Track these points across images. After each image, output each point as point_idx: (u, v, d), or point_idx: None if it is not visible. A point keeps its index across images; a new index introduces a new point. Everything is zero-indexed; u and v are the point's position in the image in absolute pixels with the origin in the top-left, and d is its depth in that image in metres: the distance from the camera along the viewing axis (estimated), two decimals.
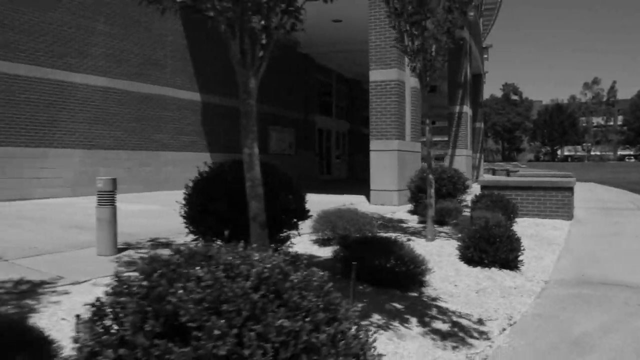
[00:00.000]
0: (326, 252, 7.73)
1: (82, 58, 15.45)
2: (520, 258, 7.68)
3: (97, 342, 2.21)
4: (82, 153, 15.46)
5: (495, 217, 8.47)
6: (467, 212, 11.60)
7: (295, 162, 25.52)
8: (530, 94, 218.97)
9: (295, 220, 6.37)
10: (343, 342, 2.24)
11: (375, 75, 14.45)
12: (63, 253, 7.35)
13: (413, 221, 11.82)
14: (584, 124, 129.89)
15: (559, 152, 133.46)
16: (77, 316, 2.61)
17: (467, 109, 25.02)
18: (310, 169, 27.63)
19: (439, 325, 5.15)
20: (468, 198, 13.24)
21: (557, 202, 12.88)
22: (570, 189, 13.07)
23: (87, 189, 15.44)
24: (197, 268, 2.28)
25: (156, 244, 8.22)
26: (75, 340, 2.37)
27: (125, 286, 2.30)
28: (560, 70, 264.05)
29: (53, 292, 5.41)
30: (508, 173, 37.14)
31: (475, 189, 15.31)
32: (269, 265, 2.32)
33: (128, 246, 7.76)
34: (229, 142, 20.92)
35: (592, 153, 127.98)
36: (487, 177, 23.97)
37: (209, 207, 6.00)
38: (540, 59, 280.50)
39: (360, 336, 2.35)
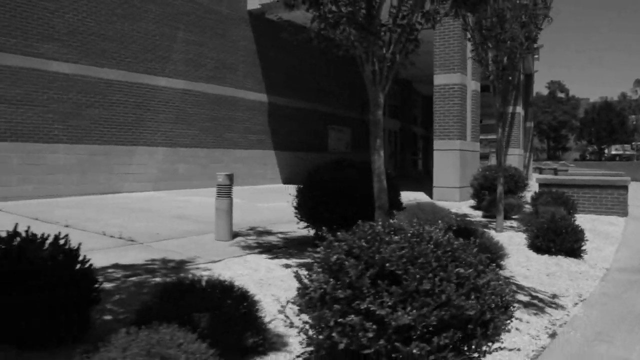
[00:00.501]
0: None
1: (164, 63, 16.77)
2: (583, 248, 8.60)
3: (321, 291, 3.31)
4: (165, 151, 16.78)
5: (559, 212, 9.40)
6: (527, 208, 12.48)
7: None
8: (577, 92, 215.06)
9: (393, 210, 7.43)
10: (492, 286, 3.30)
11: (439, 79, 15.38)
12: (184, 238, 8.52)
13: (477, 216, 12.77)
14: (633, 122, 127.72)
15: (606, 151, 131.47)
16: (296, 271, 3.73)
17: (519, 110, 25.74)
18: None
19: (520, 297, 6.16)
20: (527, 195, 14.13)
21: (612, 199, 13.67)
22: (625, 187, 13.84)
23: (167, 183, 16.78)
24: (394, 236, 3.35)
25: (257, 231, 9.36)
26: (305, 288, 3.47)
27: (343, 248, 3.38)
28: (610, 69, 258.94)
29: (197, 267, 6.56)
30: (556, 172, 37.48)
31: (529, 187, 16.15)
32: (440, 234, 3.39)
33: (237, 234, 8.88)
34: (293, 141, 22.14)
35: None
36: (541, 175, 24.65)
37: (320, 199, 7.11)
38: (588, 57, 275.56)
39: (501, 282, 3.40)
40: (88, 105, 14.71)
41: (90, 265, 4.07)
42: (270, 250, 7.57)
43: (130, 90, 15.73)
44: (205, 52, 18.17)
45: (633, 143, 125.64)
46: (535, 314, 5.64)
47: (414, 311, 2.98)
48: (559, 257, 8.37)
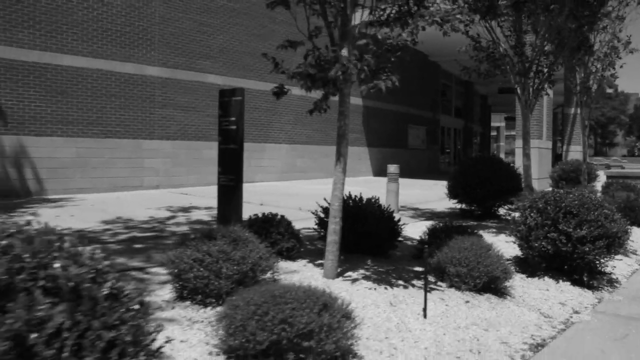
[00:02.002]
0: None
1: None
2: None
3: (534, 222, 6.55)
4: (287, 147, 20.24)
5: (631, 196, 12.46)
6: (599, 195, 15.48)
7: (425, 156, 30.00)
8: (626, 87, 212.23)
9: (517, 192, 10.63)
10: (618, 220, 6.50)
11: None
12: None
13: None
14: None
15: None
16: (514, 213, 6.98)
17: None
18: (435, 161, 31.90)
19: None
20: (597, 185, 17.12)
21: None
22: None
23: (289, 175, 20.22)
24: (568, 195, 6.58)
25: (407, 209, 12.59)
26: (522, 223, 6.71)
27: (536, 203, 6.62)
28: None
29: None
30: (608, 167, 40.04)
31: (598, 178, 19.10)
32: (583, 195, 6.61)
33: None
34: (381, 138, 25.43)
35: None
36: (608, 170, 27.43)
37: (470, 181, 10.36)
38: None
39: (621, 221, 6.60)
40: None
41: (392, 212, 7.36)
42: (433, 218, 10.82)
43: (262, 97, 19.19)
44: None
45: None
46: (624, 258, 8.76)
47: (585, 229, 6.20)
48: (634, 227, 11.42)
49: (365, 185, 18.88)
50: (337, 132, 5.82)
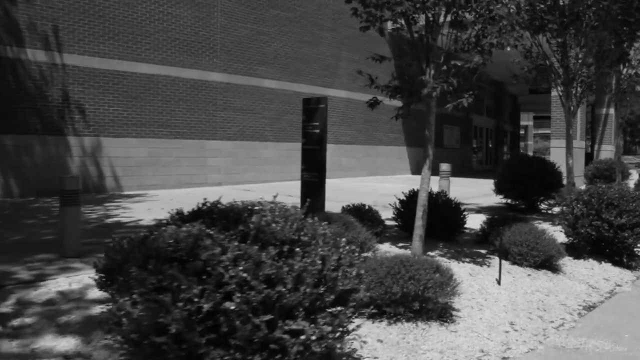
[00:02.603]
0: None
1: (333, 78, 21.53)
2: None
3: (580, 212, 7.79)
4: (333, 147, 21.53)
5: None
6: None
7: (459, 155, 31.17)
8: None
9: (558, 187, 11.81)
10: None
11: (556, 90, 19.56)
12: None
13: None
14: None
15: None
16: (552, 205, 8.22)
17: (612, 111, 29.37)
18: (468, 160, 33.06)
19: None
20: (629, 182, 18.19)
21: None
22: None
23: (335, 173, 21.48)
24: (610, 190, 7.81)
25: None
26: (570, 213, 7.95)
27: (582, 196, 7.86)
28: None
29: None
30: (639, 165, 40.71)
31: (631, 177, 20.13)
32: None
33: None
34: (418, 138, 26.60)
35: None
36: None
37: (516, 178, 11.57)
38: None
39: None
40: (286, 112, 19.57)
41: (458, 204, 8.62)
42: (481, 212, 12.05)
43: None
44: (361, 67, 22.73)
45: None
46: None
47: (625, 218, 7.42)
48: None
49: (406, 182, 20.11)
50: (425, 137, 7.08)
